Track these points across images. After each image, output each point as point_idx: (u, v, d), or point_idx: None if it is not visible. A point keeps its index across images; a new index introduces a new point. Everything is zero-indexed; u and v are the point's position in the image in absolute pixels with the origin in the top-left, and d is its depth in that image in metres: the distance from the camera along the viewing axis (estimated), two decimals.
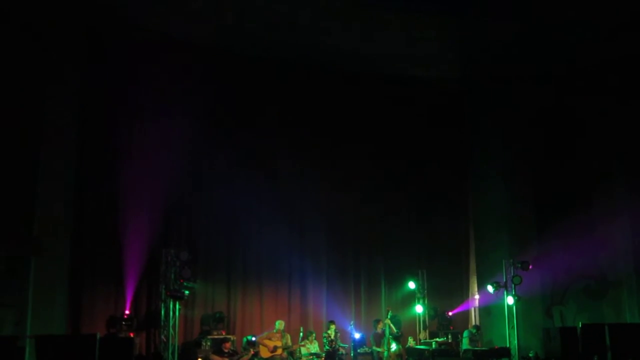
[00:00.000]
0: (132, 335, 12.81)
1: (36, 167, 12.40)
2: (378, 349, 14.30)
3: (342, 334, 14.27)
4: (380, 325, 14.43)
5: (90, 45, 13.55)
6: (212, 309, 14.55)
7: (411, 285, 15.81)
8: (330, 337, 13.54)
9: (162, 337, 12.26)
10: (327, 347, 13.44)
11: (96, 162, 13.68)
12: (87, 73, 13.39)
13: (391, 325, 14.28)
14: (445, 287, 16.41)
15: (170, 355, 12.05)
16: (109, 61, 13.67)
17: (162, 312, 12.28)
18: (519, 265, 13.92)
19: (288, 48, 15.03)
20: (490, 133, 16.43)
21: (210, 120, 14.70)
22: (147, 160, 13.91)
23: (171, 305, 12.27)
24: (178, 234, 14.26)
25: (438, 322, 16.01)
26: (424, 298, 15.80)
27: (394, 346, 14.20)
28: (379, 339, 14.38)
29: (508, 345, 13.91)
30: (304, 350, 13.89)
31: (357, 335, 14.51)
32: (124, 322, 13.36)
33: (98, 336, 10.21)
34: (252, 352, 13.45)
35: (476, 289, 16.56)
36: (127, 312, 13.61)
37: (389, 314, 14.50)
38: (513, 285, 13.93)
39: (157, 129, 14.04)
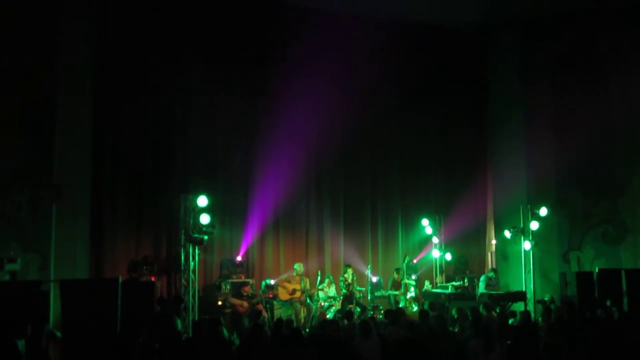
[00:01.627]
0: (153, 279, 13.10)
1: (54, 113, 12.49)
2: (395, 292, 14.48)
3: (359, 277, 14.44)
4: (398, 275, 14.61)
5: None
6: (231, 253, 14.80)
7: (428, 230, 15.89)
8: (347, 280, 13.71)
9: (183, 281, 12.48)
10: (345, 291, 13.61)
11: (114, 107, 13.72)
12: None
13: (405, 270, 14.48)
14: (462, 232, 16.44)
15: (190, 299, 12.29)
16: None
17: (182, 257, 12.46)
18: (537, 211, 13.89)
19: None
20: (510, 76, 16.12)
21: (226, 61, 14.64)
22: (166, 103, 13.93)
23: (191, 250, 12.44)
24: (196, 179, 14.34)
25: (454, 267, 16.17)
26: (440, 242, 15.90)
27: (412, 290, 14.42)
28: (397, 285, 14.54)
29: (524, 290, 14.03)
30: (321, 294, 14.10)
31: (374, 279, 14.74)
32: (144, 267, 13.62)
33: (120, 280, 10.42)
34: (270, 295, 13.71)
35: (493, 233, 16.62)
36: (147, 256, 13.88)
37: (407, 258, 14.65)
38: (530, 230, 13.93)
39: (175, 69, 13.98)
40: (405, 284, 14.63)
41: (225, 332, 10.01)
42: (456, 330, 10.77)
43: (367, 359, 8.51)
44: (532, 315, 11.98)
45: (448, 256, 15.87)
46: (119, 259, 13.81)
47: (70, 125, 12.60)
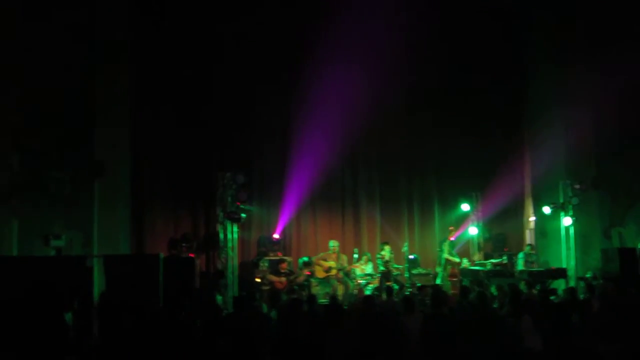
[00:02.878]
0: (192, 256, 13.27)
1: (94, 91, 12.65)
2: (436, 269, 14.44)
3: (396, 255, 14.42)
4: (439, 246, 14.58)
5: None
6: (268, 231, 14.91)
7: (465, 207, 15.74)
8: (384, 258, 13.70)
9: (222, 258, 12.60)
10: (382, 268, 13.61)
11: (153, 85, 13.88)
12: None
13: (450, 254, 14.42)
14: (500, 209, 16.25)
15: (230, 275, 12.42)
16: None
17: (221, 234, 12.57)
18: (577, 186, 13.66)
19: None
20: (547, 49, 15.79)
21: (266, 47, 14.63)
22: (203, 82, 14.01)
23: (229, 228, 12.54)
24: (234, 157, 14.44)
25: (492, 244, 16.01)
26: (478, 220, 15.75)
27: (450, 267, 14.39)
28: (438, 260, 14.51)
29: (564, 267, 13.86)
30: (358, 271, 14.12)
31: (411, 257, 14.70)
32: (183, 244, 13.83)
33: (161, 256, 10.59)
34: (307, 272, 13.77)
35: (531, 210, 16.40)
36: (186, 234, 14.07)
37: (447, 235, 14.64)
38: (570, 206, 13.71)
39: (213, 49, 14.02)
40: (447, 259, 14.52)
41: (264, 307, 10.10)
42: (495, 307, 10.71)
43: (409, 333, 8.49)
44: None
45: (474, 230, 15.62)
46: (159, 236, 14.09)
47: (109, 102, 12.76)
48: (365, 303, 9.56)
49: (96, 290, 10.97)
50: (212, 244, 14.04)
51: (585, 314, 9.59)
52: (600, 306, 9.60)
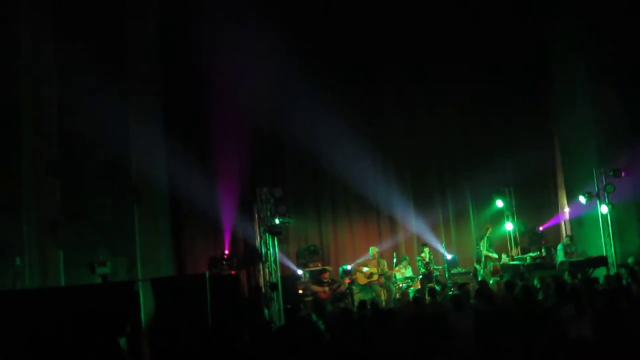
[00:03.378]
0: (233, 273, 13.47)
1: (127, 114, 12.84)
2: (476, 267, 14.48)
3: (434, 256, 14.49)
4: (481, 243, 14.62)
5: None
6: (306, 242, 15.10)
7: (499, 203, 15.76)
8: (424, 260, 13.81)
9: (266, 271, 12.77)
10: (423, 270, 13.72)
11: (184, 105, 14.07)
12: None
13: (488, 251, 14.48)
14: (534, 203, 16.28)
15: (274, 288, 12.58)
16: None
17: (263, 249, 12.75)
18: (611, 173, 13.65)
19: None
20: (573, 33, 15.68)
21: (298, 57, 14.77)
22: (235, 100, 14.20)
23: (269, 242, 12.72)
24: (267, 172, 14.64)
25: (529, 238, 16.00)
26: (513, 215, 15.76)
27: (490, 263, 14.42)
28: (479, 257, 14.58)
29: (604, 254, 13.83)
30: (398, 275, 14.23)
31: (449, 257, 14.77)
32: (224, 262, 14.02)
33: (207, 275, 10.78)
34: (348, 280, 13.91)
35: (565, 201, 16.38)
36: (226, 251, 14.27)
37: (489, 231, 14.69)
38: (606, 194, 13.70)
39: (246, 64, 14.19)
40: (486, 256, 14.57)
41: (314, 317, 10.23)
42: (539, 299, 10.73)
43: (461, 331, 8.58)
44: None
45: (509, 226, 15.68)
46: (199, 255, 14.26)
47: (142, 126, 12.90)
48: (415, 305, 9.66)
49: (143, 314, 11.23)
50: (252, 259, 14.22)
51: (630, 299, 9.63)
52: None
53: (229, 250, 14.34)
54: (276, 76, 14.48)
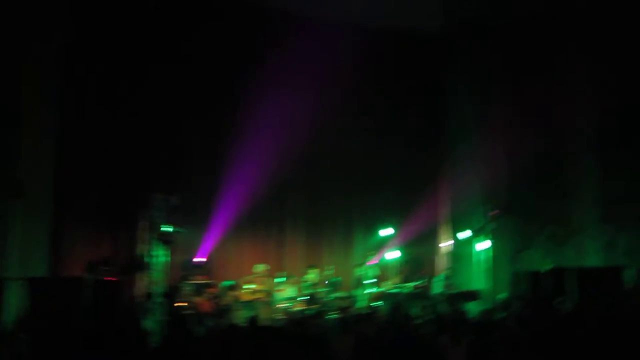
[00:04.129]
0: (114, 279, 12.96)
1: (19, 111, 12.28)
2: (357, 292, 14.76)
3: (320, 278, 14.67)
4: (360, 270, 14.91)
5: None
6: (192, 254, 14.79)
7: (385, 232, 16.25)
8: (311, 281, 13.94)
9: (151, 281, 12.40)
10: (309, 291, 13.84)
11: (78, 105, 13.60)
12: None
13: (369, 270, 14.81)
14: (417, 234, 16.87)
15: (158, 299, 12.20)
16: None
17: (152, 257, 12.40)
18: (494, 212, 14.45)
19: None
20: (465, 81, 16.68)
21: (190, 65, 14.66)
22: (131, 102, 13.89)
23: (159, 250, 12.38)
24: (158, 179, 14.29)
25: (410, 267, 16.57)
26: (397, 244, 16.29)
27: (371, 290, 14.74)
28: (360, 283, 14.83)
29: (479, 288, 14.57)
30: (281, 295, 14.25)
31: (331, 280, 14.99)
32: (103, 267, 13.46)
33: (88, 279, 10.38)
34: (232, 296, 13.77)
35: (446, 235, 17.16)
36: (107, 257, 13.72)
37: (368, 259, 15.00)
38: (487, 231, 14.48)
39: (137, 70, 13.95)
40: (366, 269, 14.93)
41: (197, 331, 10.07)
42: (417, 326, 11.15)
43: (342, 354, 8.76)
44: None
45: (392, 254, 16.19)
46: (78, 258, 13.64)
47: (33, 123, 12.42)
48: (300, 325, 9.74)
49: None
50: (134, 267, 13.75)
51: (501, 331, 10.26)
52: (517, 325, 10.23)
53: (110, 255, 13.84)
54: (181, 86, 14.42)
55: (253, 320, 10.03)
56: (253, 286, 13.88)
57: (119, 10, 14.05)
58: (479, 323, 10.68)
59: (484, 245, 14.67)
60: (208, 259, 14.81)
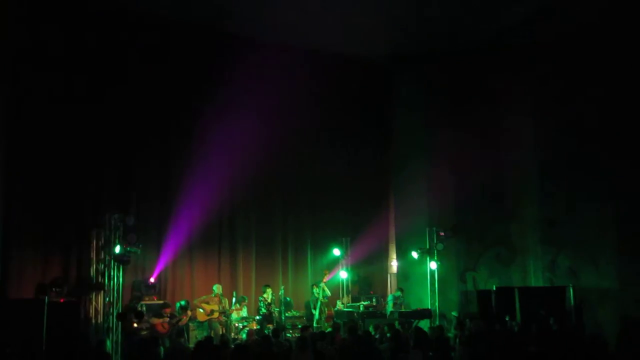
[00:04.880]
0: (62, 301, 12.69)
1: None
2: (314, 311, 14.92)
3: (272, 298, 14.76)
4: (316, 289, 15.07)
5: None
6: (143, 274, 14.65)
7: (336, 252, 16.57)
8: (266, 300, 14.03)
9: (104, 301, 12.25)
10: (264, 310, 13.92)
11: (28, 119, 13.35)
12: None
13: (325, 288, 15.03)
14: (366, 255, 17.25)
15: (113, 319, 12.07)
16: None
17: (105, 278, 12.25)
18: (442, 233, 14.95)
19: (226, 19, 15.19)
20: (411, 108, 17.32)
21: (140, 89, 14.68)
22: (83, 120, 13.72)
23: (114, 271, 12.25)
24: (117, 199, 14.14)
25: (359, 287, 16.92)
26: (347, 264, 16.62)
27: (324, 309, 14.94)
28: (315, 303, 15.02)
29: (429, 307, 15.01)
30: (234, 315, 14.27)
31: (285, 300, 15.11)
32: (54, 289, 13.17)
33: (47, 301, 10.20)
34: (184, 316, 13.67)
35: (394, 255, 17.60)
36: (56, 278, 13.43)
37: (322, 278, 15.25)
38: (435, 251, 14.95)
39: (92, 91, 13.84)
40: (323, 288, 15.10)
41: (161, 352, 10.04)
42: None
43: None
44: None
45: (344, 274, 16.59)
46: (26, 280, 13.28)
47: None
48: (263, 343, 9.85)
49: None
50: (84, 288, 13.52)
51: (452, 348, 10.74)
52: (470, 341, 10.68)
53: (60, 276, 13.54)
54: (136, 106, 14.40)
55: (209, 340, 10.10)
56: (210, 305, 13.84)
57: (76, 28, 13.91)
58: (435, 339, 11.06)
59: (432, 265, 15.13)
60: (159, 279, 14.68)
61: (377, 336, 11.69)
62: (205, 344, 9.25)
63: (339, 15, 14.94)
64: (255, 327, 13.62)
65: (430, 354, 10.12)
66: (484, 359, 10.08)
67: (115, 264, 12.18)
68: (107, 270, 12.18)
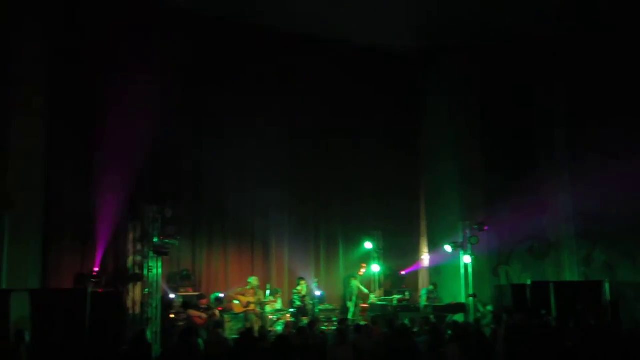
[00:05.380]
0: (100, 291, 12.87)
1: (9, 124, 12.23)
2: (349, 303, 14.95)
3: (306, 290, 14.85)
4: (354, 281, 15.12)
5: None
6: (178, 266, 14.80)
7: (368, 245, 16.56)
8: (300, 293, 14.11)
9: (145, 292, 12.39)
10: (299, 303, 13.99)
11: (70, 118, 13.55)
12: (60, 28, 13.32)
13: (361, 287, 15.06)
14: (399, 248, 17.25)
15: (154, 310, 12.21)
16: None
17: (145, 269, 12.41)
18: (476, 227, 14.88)
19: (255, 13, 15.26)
20: (440, 100, 17.27)
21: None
22: (121, 119, 13.83)
23: (153, 262, 12.38)
24: (146, 192, 14.25)
25: (391, 281, 16.91)
26: (379, 258, 16.61)
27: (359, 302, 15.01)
28: (351, 296, 15.03)
29: (463, 301, 14.96)
30: (268, 308, 14.35)
31: (318, 293, 15.18)
32: (92, 279, 13.36)
33: (89, 291, 10.37)
34: (220, 308, 13.81)
35: (426, 249, 17.56)
36: (95, 269, 13.63)
37: (362, 270, 15.30)
38: (469, 245, 14.89)
39: (132, 86, 13.91)
40: (358, 294, 15.16)
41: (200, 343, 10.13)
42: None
43: None
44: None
45: (376, 268, 16.58)
46: (65, 271, 13.51)
47: (23, 135, 12.47)
48: (300, 335, 9.93)
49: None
50: (121, 280, 13.69)
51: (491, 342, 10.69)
52: (510, 335, 10.64)
53: (99, 267, 13.74)
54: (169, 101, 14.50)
55: (249, 332, 10.19)
56: (246, 298, 13.94)
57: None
58: (477, 334, 11.02)
59: (465, 259, 15.08)
60: (193, 271, 14.82)
61: (415, 330, 11.67)
62: (248, 334, 9.33)
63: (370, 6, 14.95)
64: (290, 320, 13.71)
65: (468, 347, 10.11)
66: (524, 352, 10.07)
67: (153, 255, 12.25)
68: (146, 261, 12.28)
